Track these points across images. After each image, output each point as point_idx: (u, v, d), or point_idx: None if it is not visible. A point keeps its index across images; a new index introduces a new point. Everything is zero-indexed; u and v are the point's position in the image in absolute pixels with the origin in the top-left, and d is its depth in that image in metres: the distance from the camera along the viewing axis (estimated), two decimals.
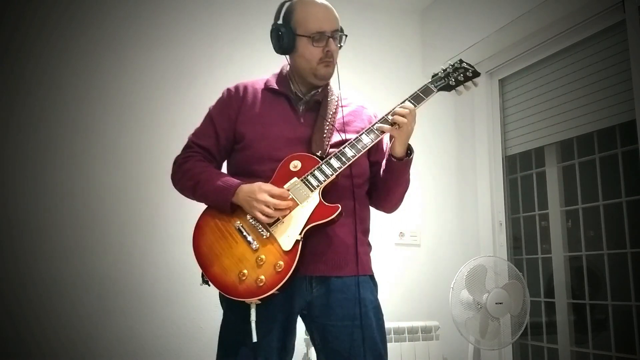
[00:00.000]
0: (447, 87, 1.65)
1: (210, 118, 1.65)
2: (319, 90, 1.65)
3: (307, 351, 2.71)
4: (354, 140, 1.53)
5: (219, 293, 1.54)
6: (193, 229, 1.52)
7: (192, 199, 1.59)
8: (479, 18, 3.01)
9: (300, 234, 1.45)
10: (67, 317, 2.59)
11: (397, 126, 1.51)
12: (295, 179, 1.50)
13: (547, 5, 2.58)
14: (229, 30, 3.10)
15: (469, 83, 1.66)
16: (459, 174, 3.46)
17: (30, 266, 2.58)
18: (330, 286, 1.51)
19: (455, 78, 1.64)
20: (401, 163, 1.57)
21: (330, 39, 1.56)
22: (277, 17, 1.63)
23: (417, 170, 3.41)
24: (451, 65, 1.66)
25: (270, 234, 1.46)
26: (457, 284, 2.58)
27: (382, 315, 1.58)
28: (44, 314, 2.56)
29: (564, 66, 2.79)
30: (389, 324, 2.91)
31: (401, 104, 1.56)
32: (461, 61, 1.68)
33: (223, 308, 1.58)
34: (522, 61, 3.03)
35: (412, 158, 1.59)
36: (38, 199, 2.64)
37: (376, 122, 1.56)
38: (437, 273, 3.25)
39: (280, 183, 1.49)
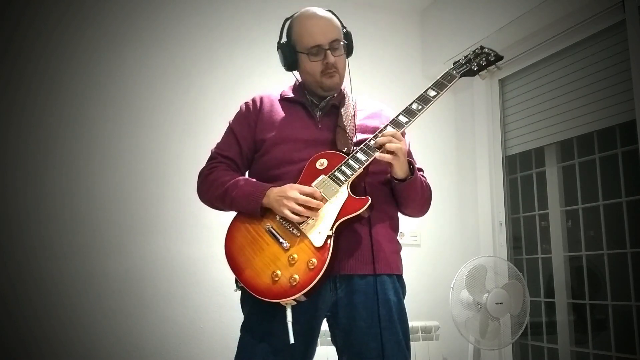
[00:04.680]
0: (470, 72, 1.66)
1: (230, 130, 1.66)
2: (334, 95, 1.65)
3: None
4: (378, 132, 1.51)
5: (241, 299, 1.54)
6: (225, 238, 1.51)
7: (220, 208, 1.59)
8: (479, 18, 3.01)
9: (331, 229, 1.42)
10: (67, 316, 2.60)
11: (391, 153, 1.47)
12: (322, 176, 1.49)
13: (547, 6, 2.58)
14: (229, 31, 3.10)
15: (492, 67, 1.68)
16: (459, 174, 3.46)
17: (30, 266, 2.58)
18: (354, 286, 1.49)
19: (477, 63, 1.66)
20: (406, 184, 1.54)
21: (328, 51, 1.55)
22: (280, 35, 1.63)
23: None
24: (472, 52, 1.68)
25: (301, 232, 1.44)
26: (457, 284, 2.58)
27: (406, 317, 1.56)
28: (44, 314, 2.57)
29: (564, 66, 2.79)
30: None
31: (408, 107, 1.56)
32: (482, 47, 1.69)
33: (245, 312, 1.55)
34: (522, 61, 3.03)
35: (416, 176, 1.55)
36: (38, 199, 2.64)
37: (399, 113, 1.56)
38: (437, 273, 3.25)
39: (307, 182, 1.48)
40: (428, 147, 3.44)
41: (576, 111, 2.70)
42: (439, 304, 3.06)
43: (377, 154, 1.47)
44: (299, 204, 1.42)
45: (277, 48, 1.64)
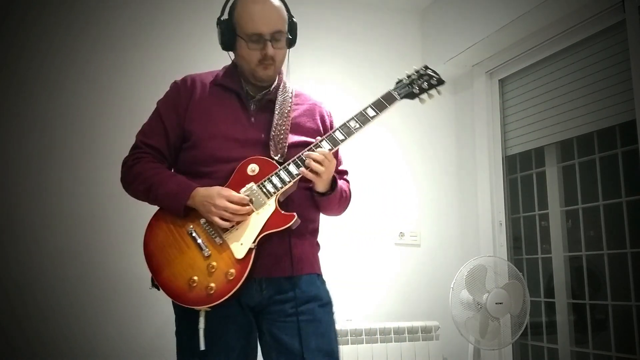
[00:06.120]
0: (411, 95, 1.60)
1: (158, 115, 1.58)
2: (271, 90, 1.58)
3: None
4: (313, 146, 1.48)
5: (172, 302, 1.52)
6: (145, 230, 1.49)
7: (146, 201, 1.54)
8: (479, 18, 3.01)
9: (254, 242, 1.41)
10: (68, 316, 2.60)
11: (315, 173, 1.46)
12: (252, 184, 1.45)
13: (547, 5, 2.58)
14: None
15: (432, 91, 1.62)
16: (459, 174, 3.46)
17: (31, 266, 2.58)
18: (279, 287, 1.49)
19: (419, 86, 1.60)
20: (325, 198, 1.54)
21: (269, 42, 1.48)
22: (222, 10, 1.54)
23: (417, 170, 3.45)
24: (416, 71, 1.62)
25: (224, 240, 1.42)
26: (457, 284, 2.58)
27: (333, 311, 1.56)
28: (45, 313, 2.57)
29: (564, 66, 2.79)
30: (389, 324, 2.93)
31: (345, 123, 1.52)
32: (426, 67, 1.63)
33: (176, 314, 1.54)
34: (522, 61, 3.03)
35: (335, 192, 1.54)
36: (39, 199, 2.64)
37: (336, 129, 1.52)
38: (437, 273, 3.25)
39: (236, 187, 1.45)
40: (428, 147, 3.45)
41: (576, 111, 2.70)
42: (439, 304, 3.07)
43: (302, 170, 1.46)
44: (228, 212, 1.39)
45: (217, 24, 1.55)
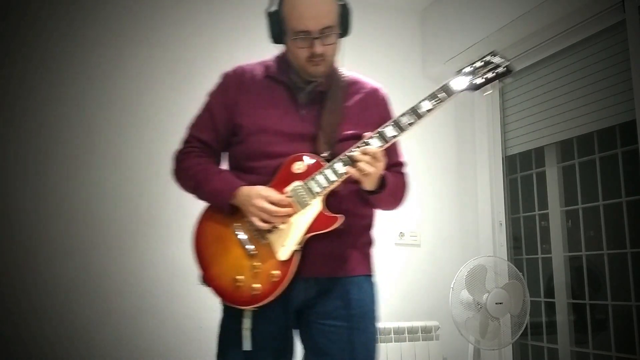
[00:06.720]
0: (472, 87, 1.47)
1: (209, 108, 1.56)
2: (322, 81, 1.50)
3: None
4: (362, 143, 1.41)
5: None
6: (194, 226, 1.48)
7: (196, 197, 1.54)
8: (478, 18, 3.01)
9: (298, 243, 1.39)
10: (67, 316, 2.59)
11: (363, 173, 1.37)
12: (297, 182, 1.41)
13: (546, 6, 2.58)
14: (229, 29, 3.10)
15: (497, 82, 1.44)
16: (459, 174, 3.46)
17: (30, 266, 2.58)
18: (324, 288, 1.46)
19: (483, 75, 1.47)
20: (375, 196, 1.46)
21: (317, 40, 1.39)
22: (271, 0, 1.46)
23: (417, 170, 3.43)
24: (481, 58, 1.47)
25: (268, 240, 1.40)
26: (457, 284, 2.58)
27: (375, 319, 1.51)
28: (44, 314, 2.56)
29: (564, 66, 2.79)
30: (389, 324, 2.92)
31: (397, 119, 1.43)
32: (494, 54, 1.47)
33: (222, 307, 1.53)
34: (522, 61, 3.03)
35: (386, 191, 1.46)
36: (39, 199, 2.64)
37: (387, 124, 1.43)
38: (437, 273, 3.25)
39: (281, 186, 1.42)
40: (428, 147, 3.44)
41: (576, 111, 2.70)
42: (439, 304, 3.06)
43: (349, 169, 1.39)
44: (266, 212, 1.37)
45: (266, 15, 1.46)
